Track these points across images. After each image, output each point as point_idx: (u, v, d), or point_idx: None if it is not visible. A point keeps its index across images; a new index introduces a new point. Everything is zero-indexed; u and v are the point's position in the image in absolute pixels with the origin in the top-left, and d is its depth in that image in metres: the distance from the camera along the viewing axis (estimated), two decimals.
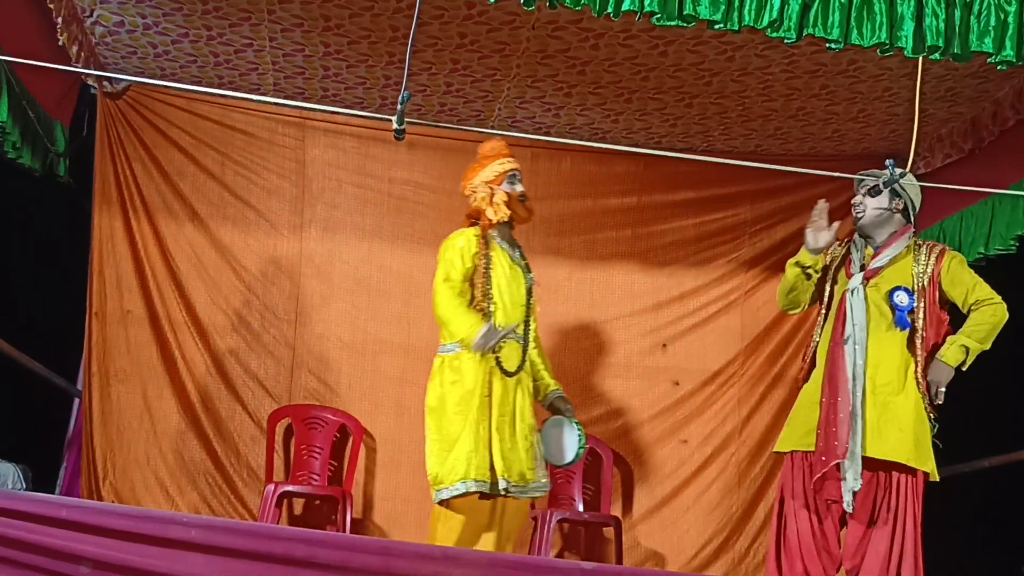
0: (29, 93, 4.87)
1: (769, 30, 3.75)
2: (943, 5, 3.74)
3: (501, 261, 4.37)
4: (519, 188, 4.44)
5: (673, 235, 6.11)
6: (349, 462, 5.60)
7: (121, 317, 5.56)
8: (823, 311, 4.10)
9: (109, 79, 5.48)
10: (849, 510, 3.78)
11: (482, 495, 4.16)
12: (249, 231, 5.79)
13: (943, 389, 3.81)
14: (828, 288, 4.08)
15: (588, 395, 5.89)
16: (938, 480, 3.87)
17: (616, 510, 5.71)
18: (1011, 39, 3.75)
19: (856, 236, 4.07)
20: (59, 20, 4.67)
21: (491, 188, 4.39)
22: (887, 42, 3.74)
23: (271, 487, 5.24)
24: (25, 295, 5.50)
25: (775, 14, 3.71)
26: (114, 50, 5.26)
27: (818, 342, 4.05)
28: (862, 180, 4.06)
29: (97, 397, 5.46)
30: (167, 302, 5.61)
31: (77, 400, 5.67)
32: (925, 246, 3.99)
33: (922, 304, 3.87)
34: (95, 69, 5.27)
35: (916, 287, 3.88)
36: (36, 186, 5.35)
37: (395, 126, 4.00)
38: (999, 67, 3.84)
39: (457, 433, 4.16)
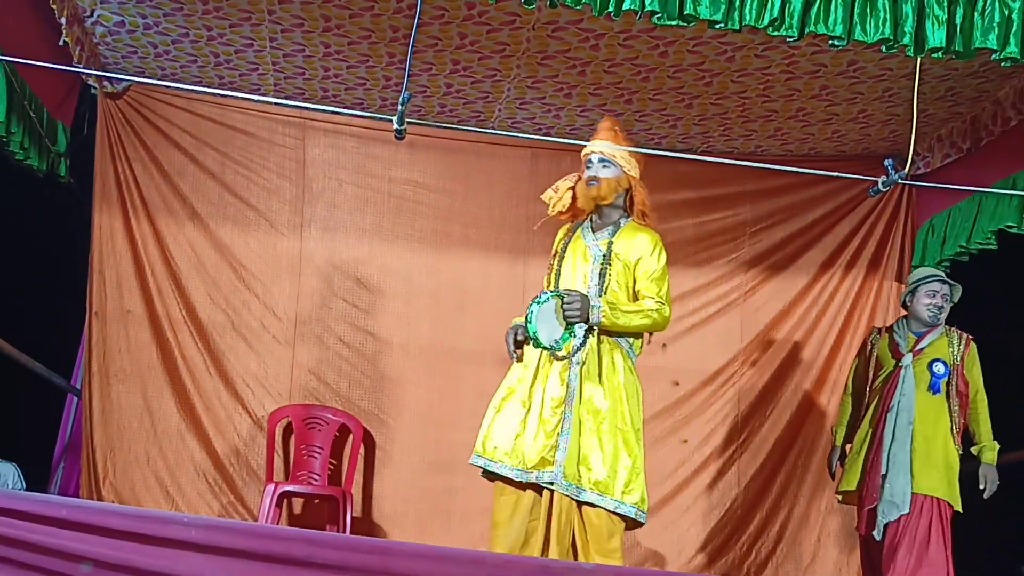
0: (33, 93, 4.87)
1: (770, 29, 3.69)
2: (946, 2, 3.71)
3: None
4: (588, 172, 4.09)
5: (673, 235, 6.06)
6: (349, 462, 5.60)
7: (121, 317, 5.56)
8: (870, 384, 4.82)
9: (110, 79, 5.48)
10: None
11: None
12: (249, 231, 5.80)
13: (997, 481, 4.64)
14: (873, 367, 4.81)
15: None
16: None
17: None
18: (1015, 35, 3.71)
19: (896, 325, 4.83)
20: (62, 20, 4.67)
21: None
22: (891, 38, 3.70)
23: (271, 487, 5.25)
24: (25, 295, 5.51)
25: (776, 13, 3.66)
26: (114, 50, 5.26)
27: (869, 405, 4.77)
28: (930, 278, 4.72)
29: (97, 397, 5.45)
30: (167, 302, 5.61)
31: (73, 399, 5.67)
32: (955, 332, 4.72)
33: (954, 376, 4.64)
34: (96, 69, 5.27)
35: (952, 362, 4.65)
36: (36, 186, 5.35)
37: (395, 126, 4.00)
38: (1003, 63, 3.81)
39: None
